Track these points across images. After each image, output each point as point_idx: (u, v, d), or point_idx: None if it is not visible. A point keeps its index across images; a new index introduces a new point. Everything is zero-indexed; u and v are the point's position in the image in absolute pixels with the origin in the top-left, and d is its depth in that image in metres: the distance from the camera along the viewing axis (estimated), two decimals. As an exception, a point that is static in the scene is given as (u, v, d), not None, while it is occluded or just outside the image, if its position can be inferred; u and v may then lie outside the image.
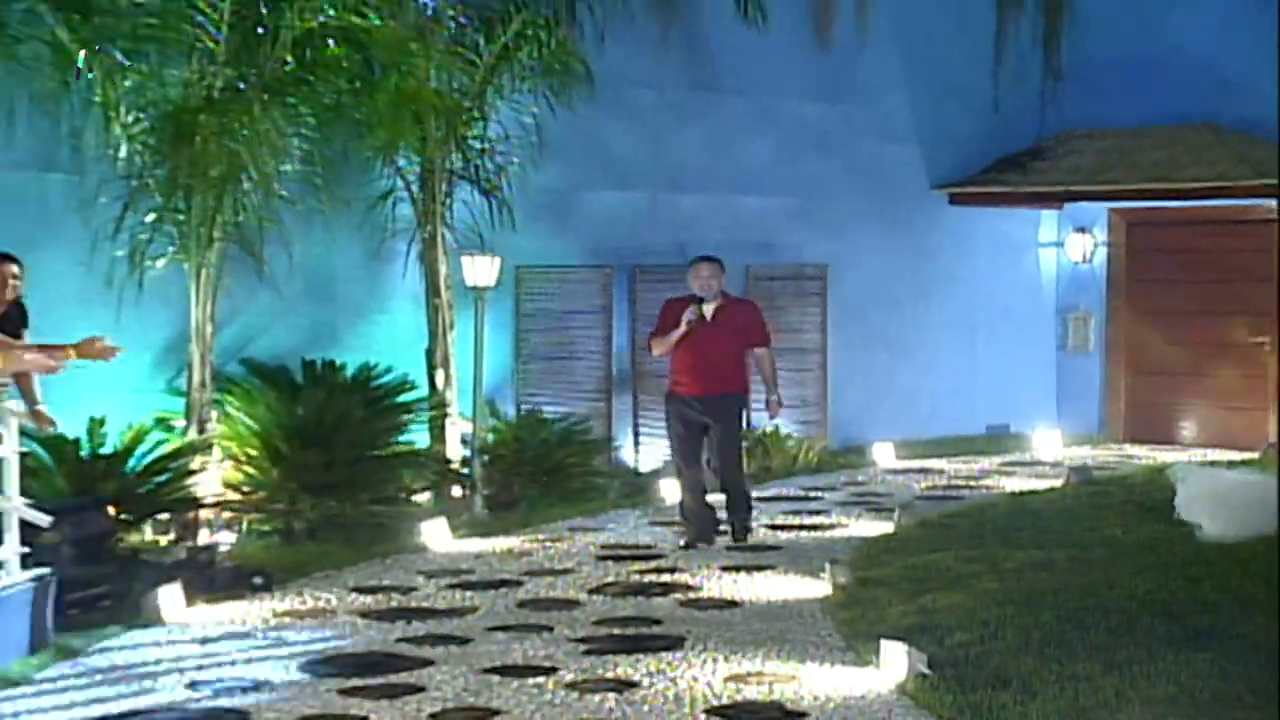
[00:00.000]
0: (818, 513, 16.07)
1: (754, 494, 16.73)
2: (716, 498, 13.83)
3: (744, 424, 13.74)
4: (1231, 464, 17.08)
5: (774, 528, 15.15)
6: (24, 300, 11.76)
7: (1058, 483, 17.73)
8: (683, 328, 12.62)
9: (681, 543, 13.28)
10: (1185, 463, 16.58)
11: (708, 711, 8.96)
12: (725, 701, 9.18)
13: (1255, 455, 18.08)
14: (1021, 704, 8.84)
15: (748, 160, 19.11)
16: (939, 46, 20.44)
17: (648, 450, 18.40)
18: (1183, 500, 14.60)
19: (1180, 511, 14.40)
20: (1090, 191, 20.36)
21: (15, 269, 11.67)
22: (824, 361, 19.81)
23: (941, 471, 18.99)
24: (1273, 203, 18.47)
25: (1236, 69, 19.34)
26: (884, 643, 9.82)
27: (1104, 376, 21.50)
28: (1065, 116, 20.91)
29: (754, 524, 13.64)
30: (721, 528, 13.58)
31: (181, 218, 13.69)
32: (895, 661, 9.59)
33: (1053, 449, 20.29)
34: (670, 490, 16.35)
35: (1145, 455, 20.02)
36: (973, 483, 18.18)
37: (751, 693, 9.37)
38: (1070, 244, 21.57)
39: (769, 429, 18.80)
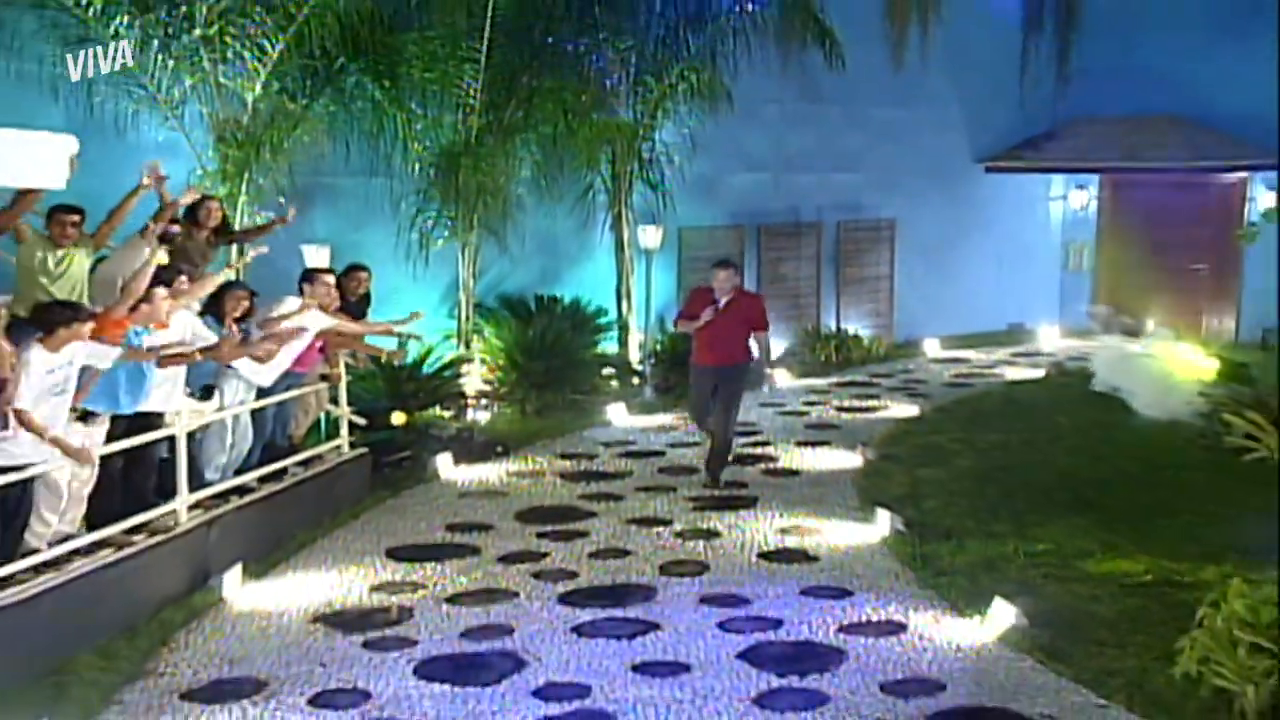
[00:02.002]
0: (872, 397, 16.15)
1: (836, 379, 17.28)
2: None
3: (743, 387, 11.76)
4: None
5: (840, 409, 15.32)
6: (369, 293, 12.05)
7: (1041, 373, 17.72)
8: (706, 317, 11.12)
9: (707, 479, 11.70)
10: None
11: (759, 555, 9.69)
12: (772, 548, 9.88)
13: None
14: (952, 554, 9.53)
15: (841, 148, 19.28)
16: (981, 60, 20.22)
17: (772, 345, 18.51)
18: (1101, 376, 14.56)
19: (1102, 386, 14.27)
20: (1085, 165, 20.56)
21: (364, 274, 11.96)
22: (891, 284, 20.22)
23: (968, 361, 18.92)
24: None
25: (1187, 77, 19.17)
26: (878, 508, 10.50)
27: (1092, 288, 21.42)
28: (1070, 109, 20.77)
29: (724, 476, 11.66)
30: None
31: (452, 216, 14.56)
32: (883, 521, 10.25)
33: (1052, 341, 20.29)
34: (787, 380, 16.89)
35: (1115, 343, 18.90)
36: (985, 371, 18.19)
37: (790, 541, 10.06)
38: (1072, 198, 21.60)
39: (850, 331, 19.21)
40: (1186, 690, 6.88)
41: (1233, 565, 8.43)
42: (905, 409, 15.34)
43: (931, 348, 19.59)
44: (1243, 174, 19.28)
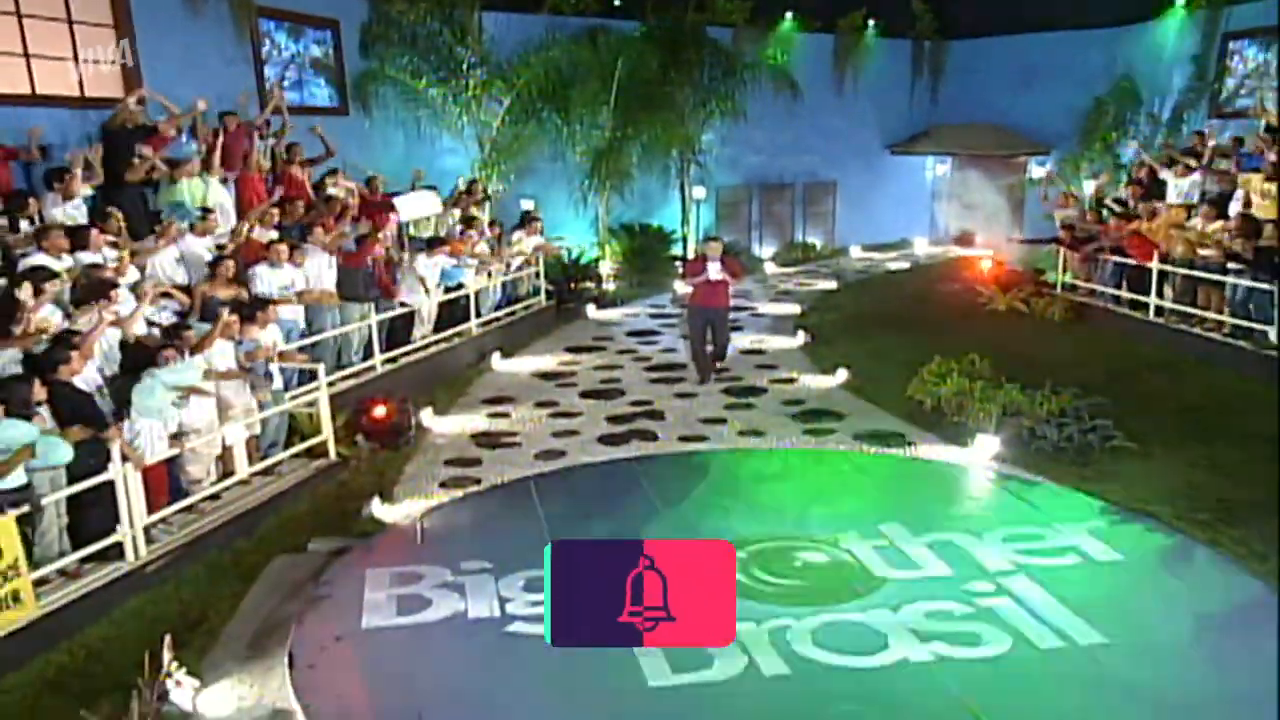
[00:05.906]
0: (814, 277, 16.70)
1: (799, 269, 17.51)
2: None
3: (728, 319, 10.23)
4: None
5: (797, 284, 15.80)
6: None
7: (908, 266, 18.23)
8: (704, 277, 9.69)
9: (698, 379, 10.08)
10: None
11: (740, 351, 10.97)
12: (747, 348, 11.19)
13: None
14: (828, 351, 10.88)
15: (806, 141, 19.32)
16: (886, 90, 20.27)
17: (767, 250, 19.16)
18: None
19: None
20: (945, 150, 20.55)
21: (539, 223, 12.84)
22: (833, 216, 20.31)
23: (871, 259, 18.96)
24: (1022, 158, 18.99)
25: (999, 103, 19.34)
26: (800, 329, 11.85)
27: (946, 219, 21.26)
28: (936, 119, 20.76)
29: (728, 356, 10.34)
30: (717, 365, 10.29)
31: (597, 183, 15.40)
32: (800, 336, 11.61)
33: (922, 248, 20.37)
34: (773, 268, 17.48)
35: (958, 251, 19.81)
36: (879, 264, 18.23)
37: (755, 345, 11.39)
38: (937, 169, 21.29)
39: (810, 241, 19.63)
40: (909, 402, 8.78)
41: (947, 353, 9.59)
42: (829, 284, 15.86)
43: (855, 251, 19.80)
44: (1025, 158, 19.50)
